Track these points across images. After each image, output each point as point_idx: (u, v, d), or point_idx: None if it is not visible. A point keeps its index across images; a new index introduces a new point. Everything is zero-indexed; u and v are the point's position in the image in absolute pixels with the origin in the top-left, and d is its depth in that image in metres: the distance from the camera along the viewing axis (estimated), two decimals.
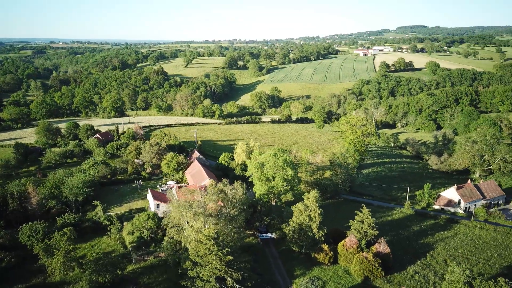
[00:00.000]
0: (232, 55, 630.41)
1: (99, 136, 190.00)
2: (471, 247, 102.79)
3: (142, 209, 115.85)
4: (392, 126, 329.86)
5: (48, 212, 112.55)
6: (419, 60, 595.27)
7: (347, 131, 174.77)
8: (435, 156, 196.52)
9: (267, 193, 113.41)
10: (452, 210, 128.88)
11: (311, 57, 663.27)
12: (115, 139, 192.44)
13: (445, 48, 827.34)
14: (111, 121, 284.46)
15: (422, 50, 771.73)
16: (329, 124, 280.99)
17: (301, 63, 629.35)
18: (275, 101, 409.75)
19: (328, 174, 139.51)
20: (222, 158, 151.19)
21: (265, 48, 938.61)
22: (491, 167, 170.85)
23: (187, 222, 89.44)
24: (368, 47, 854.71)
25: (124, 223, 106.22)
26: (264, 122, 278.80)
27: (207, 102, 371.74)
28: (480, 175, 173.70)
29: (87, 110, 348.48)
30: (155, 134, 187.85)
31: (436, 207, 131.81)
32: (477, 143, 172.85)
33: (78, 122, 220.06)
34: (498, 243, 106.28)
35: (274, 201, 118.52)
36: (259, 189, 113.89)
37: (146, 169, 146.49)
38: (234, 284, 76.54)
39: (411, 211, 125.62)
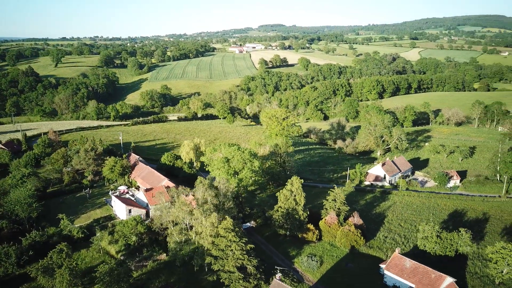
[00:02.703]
0: (108, 53, 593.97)
1: (3, 147, 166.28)
2: (412, 211, 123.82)
3: (110, 217, 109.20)
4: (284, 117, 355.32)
5: None
6: (291, 57, 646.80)
7: (273, 124, 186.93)
8: (341, 141, 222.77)
9: (237, 185, 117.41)
10: (380, 184, 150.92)
11: (190, 55, 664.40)
12: (24, 148, 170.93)
13: (307, 45, 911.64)
14: None
15: (290, 47, 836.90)
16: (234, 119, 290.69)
17: (181, 60, 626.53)
18: (167, 99, 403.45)
19: (271, 163, 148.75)
20: (166, 158, 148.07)
21: (137, 45, 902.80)
22: (389, 146, 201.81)
23: (187, 220, 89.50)
24: (240, 45, 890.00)
25: (98, 234, 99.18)
26: (171, 120, 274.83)
27: (93, 103, 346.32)
28: (380, 154, 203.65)
29: None
30: (75, 139, 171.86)
31: (367, 183, 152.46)
32: (377, 126, 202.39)
33: None
34: (426, 205, 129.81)
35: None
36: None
37: (87, 176, 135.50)
38: (254, 270, 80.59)
39: (352, 189, 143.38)
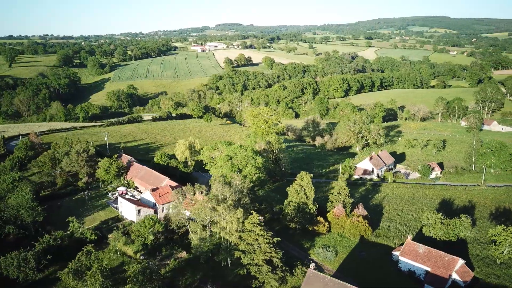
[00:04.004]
0: (65, 52, 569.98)
1: None
2: (405, 202, 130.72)
3: (117, 219, 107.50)
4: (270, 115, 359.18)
5: (3, 240, 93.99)
6: (255, 56, 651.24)
7: (258, 122, 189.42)
8: (320, 138, 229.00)
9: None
10: (369, 177, 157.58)
11: (152, 54, 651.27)
12: (2, 151, 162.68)
13: (268, 44, 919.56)
14: None
15: (251, 46, 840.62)
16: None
17: (144, 59, 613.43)
18: (135, 99, 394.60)
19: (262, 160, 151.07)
20: (160, 158, 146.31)
21: (93, 44, 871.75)
22: (368, 141, 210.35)
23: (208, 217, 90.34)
24: (202, 44, 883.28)
25: (110, 235, 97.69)
26: (146, 120, 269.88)
27: (56, 104, 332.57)
28: (359, 149, 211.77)
29: None
30: (57, 141, 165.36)
31: (356, 176, 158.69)
32: (356, 123, 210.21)
33: None
34: (416, 196, 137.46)
35: None
36: None
37: (82, 178, 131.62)
38: (280, 263, 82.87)
39: (344, 183, 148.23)
